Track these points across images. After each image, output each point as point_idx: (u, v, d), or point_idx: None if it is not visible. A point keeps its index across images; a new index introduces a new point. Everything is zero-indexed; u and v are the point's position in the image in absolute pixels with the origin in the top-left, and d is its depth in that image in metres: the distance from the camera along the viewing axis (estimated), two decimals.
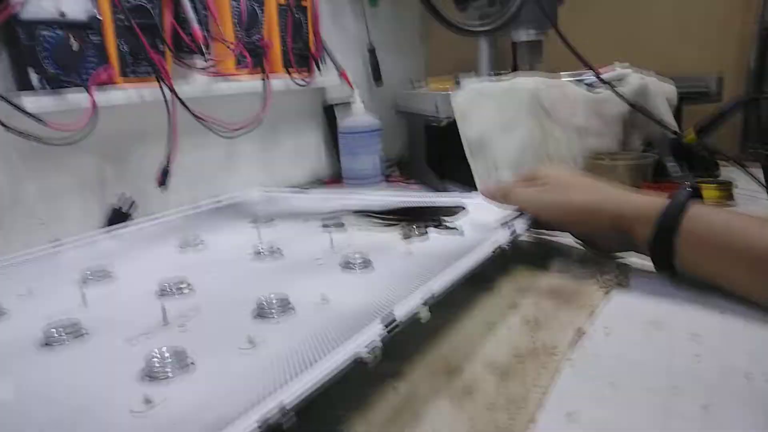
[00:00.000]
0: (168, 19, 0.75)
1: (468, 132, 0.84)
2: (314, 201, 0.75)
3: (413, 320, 0.37)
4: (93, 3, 0.68)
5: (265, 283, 0.49)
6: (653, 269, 0.52)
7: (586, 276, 0.53)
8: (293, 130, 1.09)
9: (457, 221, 0.62)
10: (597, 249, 0.58)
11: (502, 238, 0.51)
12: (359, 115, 1.04)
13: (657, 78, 0.96)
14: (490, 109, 0.85)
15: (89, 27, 0.68)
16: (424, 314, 0.37)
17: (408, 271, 0.48)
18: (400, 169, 1.19)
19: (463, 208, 0.65)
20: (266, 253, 0.56)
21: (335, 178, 1.13)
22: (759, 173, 0.90)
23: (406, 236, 0.59)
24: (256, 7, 0.88)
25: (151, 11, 0.73)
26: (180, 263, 0.56)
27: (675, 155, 0.88)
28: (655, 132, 0.92)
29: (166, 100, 0.75)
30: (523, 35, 1.07)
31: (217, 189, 0.93)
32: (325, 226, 0.66)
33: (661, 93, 0.95)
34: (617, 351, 0.40)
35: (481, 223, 0.60)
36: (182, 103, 0.76)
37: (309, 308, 0.41)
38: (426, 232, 0.59)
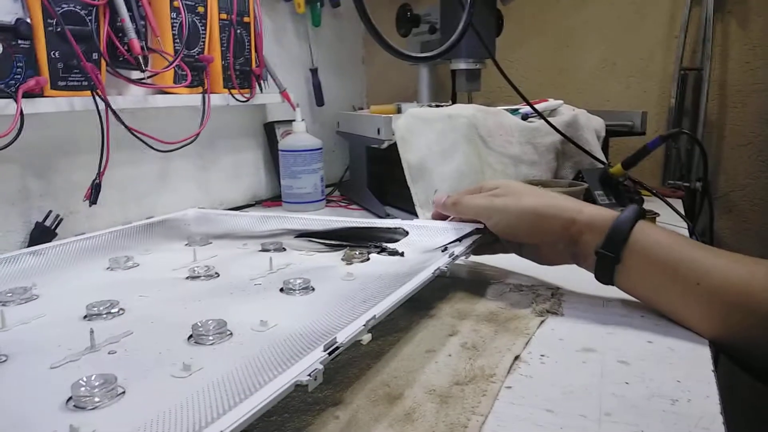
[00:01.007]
0: (104, 28, 0.72)
1: (408, 157, 0.85)
2: (252, 222, 0.72)
3: (355, 344, 0.36)
4: (22, 6, 0.65)
5: (200, 305, 0.47)
6: (586, 297, 0.54)
7: (522, 302, 0.54)
8: (232, 147, 1.07)
9: (399, 245, 0.62)
10: (539, 260, 0.59)
11: (441, 261, 0.51)
12: (301, 134, 1.03)
13: (586, 112, 1.01)
14: (429, 135, 0.87)
15: (17, 31, 0.64)
16: (366, 337, 0.37)
17: (349, 294, 0.47)
18: (341, 191, 1.19)
19: (405, 233, 0.64)
20: (202, 274, 0.54)
21: (275, 199, 1.11)
22: (679, 205, 0.96)
23: (348, 259, 0.58)
24: (197, 21, 0.87)
25: (86, 18, 0.70)
26: (110, 284, 0.53)
27: (603, 186, 0.92)
28: (585, 163, 0.97)
29: (99, 112, 0.72)
30: (462, 63, 1.11)
31: (150, 207, 0.90)
32: (264, 248, 0.64)
33: (591, 126, 0.99)
34: (553, 377, 0.41)
35: (421, 247, 0.60)
36: (115, 114, 0.73)
37: (247, 332, 0.40)
38: (368, 256, 0.59)
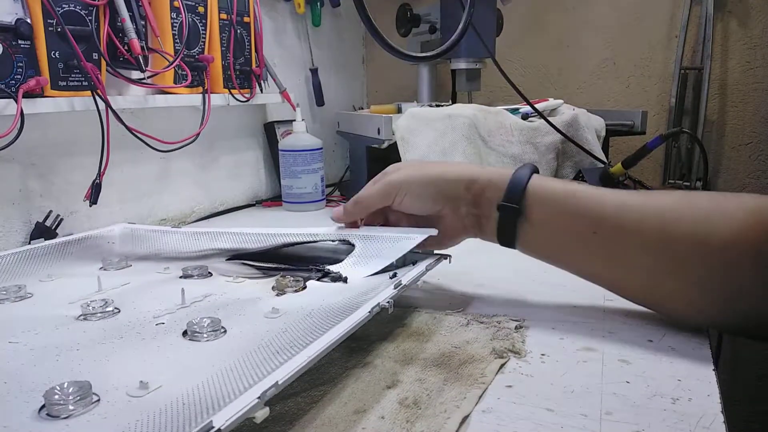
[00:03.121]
0: (104, 28, 0.72)
1: (409, 157, 0.85)
2: (184, 240, 0.64)
3: (247, 421, 0.28)
4: (22, 6, 0.65)
5: (75, 357, 0.38)
6: (584, 296, 0.53)
7: (481, 338, 0.47)
8: (232, 147, 1.07)
9: (343, 266, 0.54)
10: (440, 238, 0.55)
11: (383, 294, 0.43)
12: (301, 134, 1.03)
13: (587, 111, 1.01)
14: (430, 135, 0.87)
15: (17, 31, 0.65)
16: (261, 413, 0.29)
17: (266, 339, 0.39)
18: (341, 191, 1.19)
19: (351, 246, 0.56)
20: (98, 311, 0.46)
21: (275, 199, 1.11)
22: None
23: (279, 289, 0.51)
24: (197, 21, 0.87)
25: (86, 18, 0.70)
26: None
27: (603, 185, 0.92)
28: (585, 162, 0.97)
29: (99, 112, 0.72)
30: (463, 63, 1.11)
31: (151, 207, 0.90)
32: (185, 273, 0.56)
33: (591, 125, 0.99)
34: (553, 376, 0.41)
35: (368, 267, 0.53)
36: (116, 115, 0.73)
37: (118, 399, 0.32)
38: (304, 284, 0.51)
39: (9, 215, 0.71)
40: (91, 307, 0.46)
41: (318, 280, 0.52)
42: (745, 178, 1.24)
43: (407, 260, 0.54)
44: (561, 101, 1.03)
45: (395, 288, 0.45)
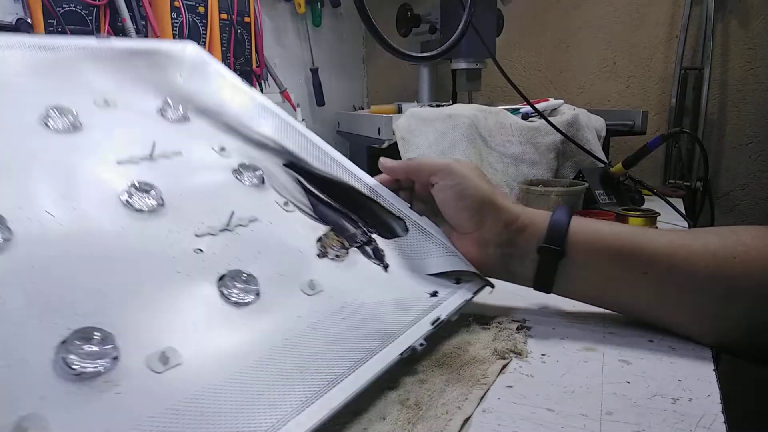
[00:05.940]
0: (105, 28, 0.72)
1: (409, 156, 0.85)
2: (252, 111, 0.57)
3: None
4: (23, 6, 0.65)
5: (107, 275, 0.34)
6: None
7: (482, 339, 0.46)
8: None
9: (388, 246, 0.51)
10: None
11: (417, 333, 0.41)
12: None
13: (587, 111, 1.01)
14: (430, 135, 0.87)
15: (17, 31, 0.65)
16: None
17: (295, 332, 0.37)
18: None
19: (405, 229, 0.52)
20: (142, 198, 0.40)
21: None
22: (680, 204, 0.96)
23: (323, 246, 0.48)
24: (197, 21, 0.87)
25: (87, 19, 0.70)
26: (21, 165, 0.38)
27: (603, 185, 0.92)
28: (585, 162, 0.97)
29: None
30: (463, 63, 1.11)
31: None
32: (238, 172, 0.50)
33: (591, 125, 0.99)
34: (554, 376, 0.41)
35: (410, 259, 0.50)
36: None
37: (136, 368, 0.29)
38: (347, 251, 0.48)
39: None
40: (136, 194, 0.40)
41: (360, 247, 0.49)
42: (745, 178, 1.24)
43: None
44: (561, 101, 1.03)
45: (432, 324, 0.42)
